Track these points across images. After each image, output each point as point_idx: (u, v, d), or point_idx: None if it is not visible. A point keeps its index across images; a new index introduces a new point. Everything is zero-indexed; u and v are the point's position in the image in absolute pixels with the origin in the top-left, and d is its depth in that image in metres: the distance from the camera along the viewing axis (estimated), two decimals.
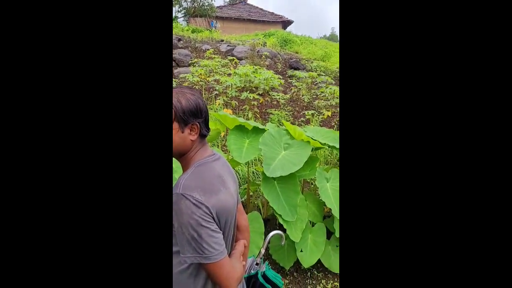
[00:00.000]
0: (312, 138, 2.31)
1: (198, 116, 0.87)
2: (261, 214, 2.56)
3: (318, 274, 2.43)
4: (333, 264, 2.36)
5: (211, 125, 2.42)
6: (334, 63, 8.73)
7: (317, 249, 2.25)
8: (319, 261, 2.29)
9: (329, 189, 2.27)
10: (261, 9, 17.51)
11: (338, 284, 2.35)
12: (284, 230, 2.13)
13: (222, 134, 3.21)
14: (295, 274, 2.39)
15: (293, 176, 2.20)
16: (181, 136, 0.86)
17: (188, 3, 14.40)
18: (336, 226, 2.25)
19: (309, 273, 2.42)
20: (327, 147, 2.53)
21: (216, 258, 0.80)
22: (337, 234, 2.25)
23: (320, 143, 2.34)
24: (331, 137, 2.48)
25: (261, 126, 2.35)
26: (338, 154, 2.46)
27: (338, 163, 3.20)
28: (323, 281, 2.37)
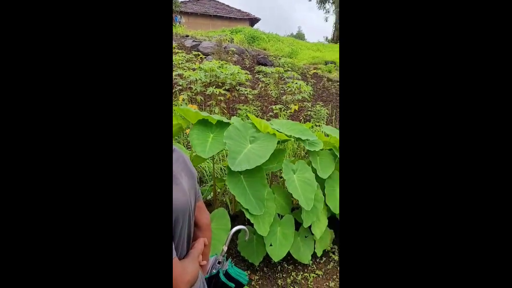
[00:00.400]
0: (278, 131, 2.28)
1: None
2: (228, 210, 2.50)
3: (288, 267, 2.42)
4: (303, 255, 2.36)
5: (173, 120, 2.32)
6: (301, 60, 8.84)
7: (287, 241, 2.24)
8: (288, 253, 2.28)
9: (296, 181, 2.26)
10: (228, 5, 17.36)
11: (307, 275, 2.36)
12: (252, 225, 2.09)
13: (187, 130, 3.10)
14: (265, 269, 2.36)
15: (259, 169, 2.16)
16: None
17: None
18: (304, 216, 2.25)
19: (279, 267, 2.40)
20: (294, 140, 2.53)
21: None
22: (305, 225, 2.25)
23: (286, 135, 2.32)
24: (297, 129, 2.47)
25: (225, 120, 2.29)
26: (305, 146, 2.46)
27: (306, 155, 3.21)
28: (293, 273, 2.37)
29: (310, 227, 2.41)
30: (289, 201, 2.44)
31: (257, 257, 2.24)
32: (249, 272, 2.30)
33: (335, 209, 2.40)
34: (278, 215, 2.32)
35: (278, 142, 2.50)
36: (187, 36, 9.68)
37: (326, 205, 2.42)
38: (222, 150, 2.45)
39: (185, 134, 3.38)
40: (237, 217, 2.59)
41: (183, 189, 0.86)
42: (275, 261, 2.19)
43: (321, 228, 2.36)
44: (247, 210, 2.04)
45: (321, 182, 2.44)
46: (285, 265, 2.43)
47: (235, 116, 3.45)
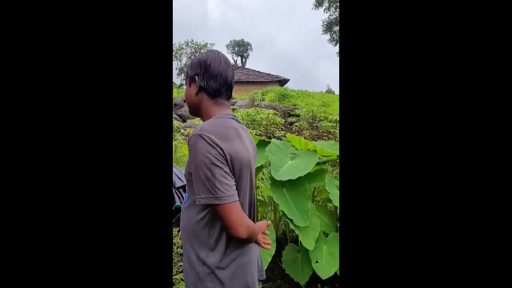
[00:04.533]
0: (317, 147, 2.33)
1: (198, 72, 0.93)
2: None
3: None
4: None
5: None
6: (333, 111, 9.10)
7: (334, 260, 2.10)
8: (335, 276, 2.12)
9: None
10: (258, 71, 18.85)
11: None
12: (296, 237, 2.02)
13: None
14: None
15: (301, 182, 2.17)
16: (188, 90, 0.96)
17: None
18: None
19: None
20: (336, 156, 2.54)
21: (227, 200, 0.80)
22: None
23: (327, 151, 2.36)
24: (338, 149, 2.50)
25: (266, 140, 2.40)
26: None
27: None
28: None
29: None
30: (334, 220, 2.36)
31: (303, 277, 2.11)
32: None
33: None
34: (324, 233, 2.23)
35: (319, 161, 2.52)
36: None
37: None
38: (261, 166, 2.51)
39: None
40: (279, 242, 2.51)
41: (246, 148, 0.93)
42: (323, 278, 2.04)
43: None
44: (291, 220, 2.00)
45: None
46: None
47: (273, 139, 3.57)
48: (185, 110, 7.76)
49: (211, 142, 0.81)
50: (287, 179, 2.03)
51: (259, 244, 0.98)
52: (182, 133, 4.25)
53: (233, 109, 7.13)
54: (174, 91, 11.99)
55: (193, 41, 15.67)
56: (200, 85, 0.93)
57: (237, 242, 0.88)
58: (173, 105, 8.53)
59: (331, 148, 2.49)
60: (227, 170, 0.83)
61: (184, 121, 6.58)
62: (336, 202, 2.13)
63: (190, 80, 0.95)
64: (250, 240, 0.88)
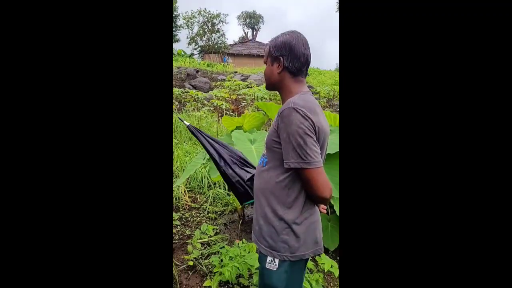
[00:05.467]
0: None
1: (283, 53, 1.04)
2: None
3: None
4: None
5: (256, 117, 2.61)
6: None
7: None
8: None
9: None
10: None
11: None
12: (331, 206, 2.21)
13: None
14: (338, 258, 2.41)
15: (336, 156, 2.33)
16: (271, 69, 1.07)
17: (204, 41, 15.39)
18: None
19: None
20: None
21: (315, 165, 0.93)
22: None
23: None
24: None
25: None
26: None
27: None
28: None
29: None
30: None
31: (333, 243, 2.32)
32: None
33: None
34: None
35: None
36: (235, 72, 10.55)
37: None
38: None
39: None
40: None
41: (326, 122, 1.06)
42: None
43: None
44: None
45: None
46: None
47: None
48: (198, 81, 7.80)
49: (304, 115, 0.92)
50: (326, 154, 2.18)
51: (318, 207, 1.13)
52: (206, 104, 4.36)
53: (247, 85, 7.19)
54: (186, 60, 11.92)
55: (206, 9, 15.32)
56: (285, 65, 1.05)
57: (310, 202, 1.02)
58: (186, 75, 8.56)
59: None
60: (316, 139, 0.96)
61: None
62: None
63: (274, 59, 1.05)
64: (328, 200, 1.03)
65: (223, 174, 1.50)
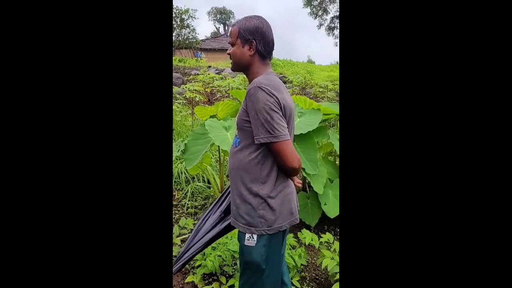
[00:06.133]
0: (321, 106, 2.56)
1: (256, 35, 1.10)
2: None
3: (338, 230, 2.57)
4: None
5: (229, 105, 2.64)
6: (318, 79, 9.30)
7: (338, 202, 2.42)
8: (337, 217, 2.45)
9: None
10: None
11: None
12: (308, 183, 2.30)
13: None
14: (319, 233, 2.52)
15: (309, 136, 2.42)
16: (241, 51, 1.10)
17: (174, 37, 15.12)
18: None
19: (332, 232, 2.56)
20: (336, 115, 2.79)
21: (283, 137, 1.00)
22: None
23: (330, 109, 2.60)
24: (338, 108, 2.74)
25: None
26: None
27: None
28: None
29: None
30: (337, 169, 2.66)
31: (313, 219, 2.42)
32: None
33: None
34: (329, 179, 2.53)
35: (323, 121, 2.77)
36: (209, 66, 10.50)
37: None
38: None
39: None
40: None
41: (290, 98, 1.13)
42: (331, 217, 2.36)
43: None
44: (303, 169, 2.27)
45: None
46: (337, 229, 2.58)
47: None
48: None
49: (269, 93, 0.99)
50: (298, 133, 2.27)
51: (293, 182, 1.20)
52: (178, 98, 4.32)
53: (221, 77, 7.19)
54: None
55: (174, 5, 15.06)
56: (258, 48, 1.10)
57: (283, 176, 1.09)
58: None
59: (333, 107, 2.73)
60: (281, 115, 1.03)
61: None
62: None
63: (245, 42, 1.09)
64: (298, 171, 1.10)
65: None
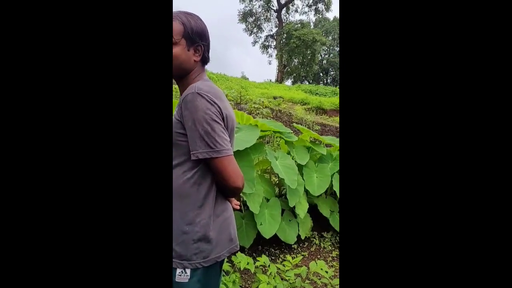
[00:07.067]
0: (259, 122, 2.53)
1: (203, 39, 0.96)
2: None
3: (275, 251, 2.52)
4: (288, 236, 2.49)
5: None
6: (252, 95, 9.48)
7: (275, 221, 2.37)
8: (275, 238, 2.40)
9: (279, 165, 2.48)
10: None
11: (294, 256, 2.48)
12: (244, 203, 2.20)
13: None
14: (253, 254, 2.42)
15: (246, 153, 2.34)
16: (187, 54, 0.93)
17: None
18: (289, 197, 2.43)
19: (267, 252, 2.49)
20: (272, 132, 2.78)
21: (226, 153, 0.86)
22: (290, 204, 2.43)
23: (267, 126, 2.58)
24: (276, 125, 2.74)
25: None
26: (283, 138, 2.73)
27: (279, 147, 3.48)
28: (281, 256, 2.46)
29: (293, 211, 2.59)
30: (273, 188, 2.62)
31: (248, 240, 2.31)
32: None
33: (314, 192, 2.63)
34: (265, 198, 2.47)
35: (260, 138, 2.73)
36: None
37: (305, 189, 2.65)
38: None
39: None
40: None
41: (231, 108, 1.01)
42: (267, 238, 2.29)
43: (303, 209, 2.55)
44: None
45: (299, 168, 2.69)
46: (272, 250, 2.52)
47: None
48: None
49: (210, 100, 0.85)
50: (235, 150, 2.17)
51: (231, 203, 1.06)
52: None
53: None
54: None
55: None
56: (204, 54, 0.97)
57: (221, 197, 0.95)
58: None
59: (270, 124, 2.72)
60: (224, 127, 0.89)
61: None
62: (276, 170, 2.38)
63: (192, 44, 0.94)
64: (241, 191, 0.97)
65: None
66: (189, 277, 0.89)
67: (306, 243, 2.69)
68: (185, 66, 0.95)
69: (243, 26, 23.57)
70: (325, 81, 33.87)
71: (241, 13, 22.94)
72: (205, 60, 0.99)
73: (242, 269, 1.85)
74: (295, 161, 2.63)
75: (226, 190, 0.94)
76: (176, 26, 0.91)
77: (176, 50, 0.92)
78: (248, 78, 22.09)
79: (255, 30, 23.56)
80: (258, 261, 1.84)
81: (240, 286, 1.96)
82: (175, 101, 2.32)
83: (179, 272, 0.89)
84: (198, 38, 0.94)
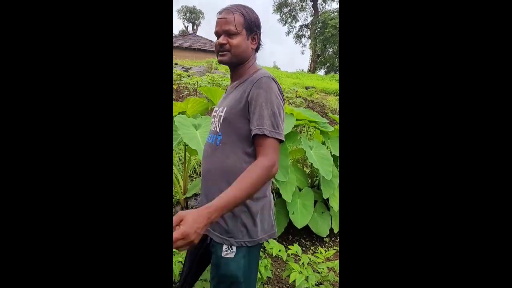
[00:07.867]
0: (295, 110, 2.48)
1: (258, 28, 1.03)
2: None
3: (306, 243, 2.49)
4: (321, 228, 2.45)
5: (200, 102, 2.46)
6: (283, 85, 9.35)
7: (307, 211, 2.34)
8: (306, 229, 2.37)
9: (314, 155, 2.43)
10: (210, 40, 18.22)
11: (326, 249, 2.43)
12: (277, 191, 2.19)
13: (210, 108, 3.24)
14: (283, 243, 2.42)
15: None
16: (246, 43, 1.00)
17: None
18: (323, 188, 2.38)
19: (297, 243, 2.47)
20: (307, 121, 2.73)
21: (282, 138, 0.90)
22: (324, 196, 2.38)
23: (303, 114, 2.53)
24: (311, 115, 2.69)
25: None
26: (319, 128, 2.67)
27: (311, 137, 3.42)
28: (312, 248, 2.43)
29: (326, 203, 2.54)
30: (306, 177, 2.58)
31: (279, 229, 2.31)
32: None
33: None
34: (298, 188, 2.44)
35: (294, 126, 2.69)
36: (176, 64, 10.15)
37: None
38: None
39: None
40: None
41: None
42: (298, 227, 2.26)
43: (338, 202, 2.49)
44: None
45: (335, 160, 2.62)
46: (303, 241, 2.50)
47: None
48: None
49: (280, 89, 0.94)
50: None
51: None
52: None
53: (188, 75, 6.93)
54: None
55: None
56: (259, 43, 1.05)
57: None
58: None
59: (306, 113, 2.67)
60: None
61: None
62: (310, 159, 2.33)
63: (250, 34, 1.00)
64: (273, 176, 0.97)
65: None
66: (234, 253, 0.93)
67: (339, 238, 2.63)
68: (245, 54, 1.02)
69: (277, 16, 23.25)
70: None
71: (276, 3, 22.63)
72: (258, 47, 1.06)
73: (274, 255, 1.85)
74: (330, 152, 2.56)
75: None
76: (238, 18, 0.98)
77: (238, 40, 0.98)
78: (280, 68, 21.86)
79: (289, 20, 23.13)
80: (290, 249, 1.82)
81: (271, 271, 1.97)
82: (175, 102, 2.35)
83: (225, 248, 0.94)
84: (255, 27, 1.02)
